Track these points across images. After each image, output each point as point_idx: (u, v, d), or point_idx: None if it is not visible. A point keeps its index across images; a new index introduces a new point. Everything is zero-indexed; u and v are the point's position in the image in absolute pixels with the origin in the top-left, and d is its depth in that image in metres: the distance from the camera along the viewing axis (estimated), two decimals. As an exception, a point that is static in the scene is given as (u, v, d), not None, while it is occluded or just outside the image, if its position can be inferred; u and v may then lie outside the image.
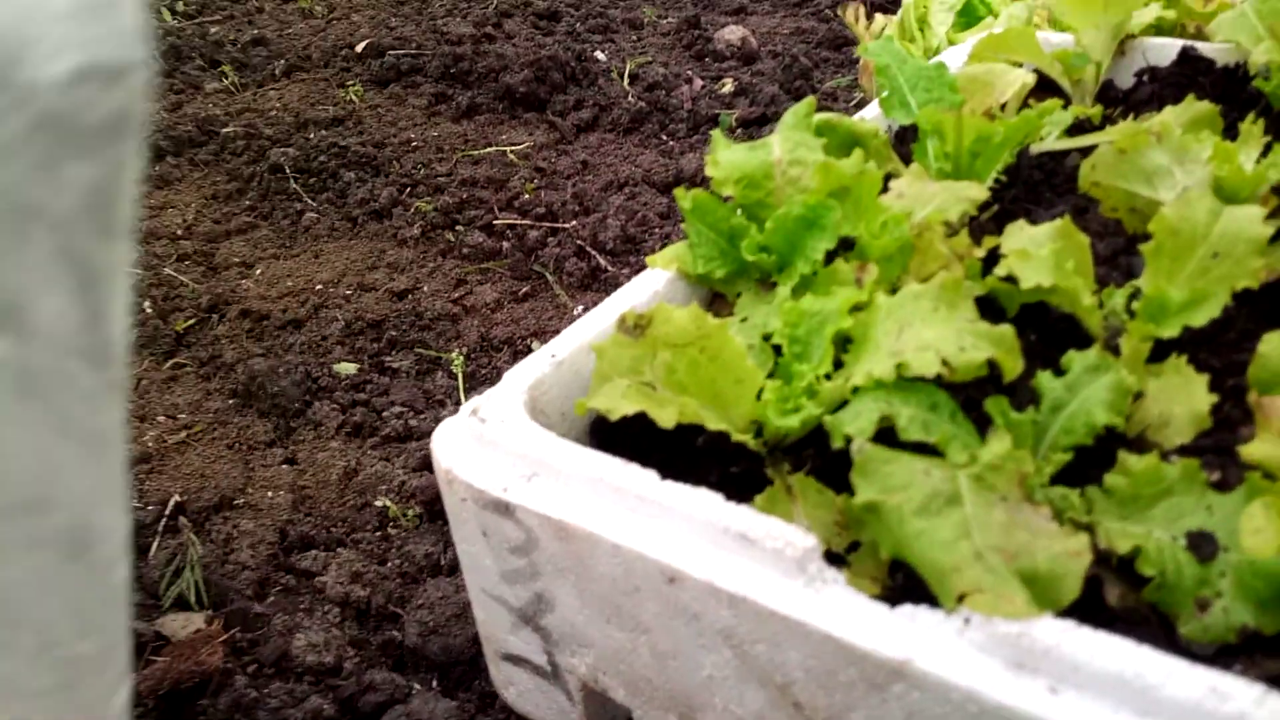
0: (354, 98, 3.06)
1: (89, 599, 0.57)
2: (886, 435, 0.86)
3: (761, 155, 1.16)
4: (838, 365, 1.01)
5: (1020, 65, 1.83)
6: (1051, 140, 1.48)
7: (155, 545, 1.49)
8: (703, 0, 3.88)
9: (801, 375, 0.98)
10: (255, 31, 3.83)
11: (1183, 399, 0.92)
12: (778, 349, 1.04)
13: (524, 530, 0.89)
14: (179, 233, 2.43)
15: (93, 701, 0.59)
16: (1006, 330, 0.91)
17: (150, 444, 1.71)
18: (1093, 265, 1.18)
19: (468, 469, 0.92)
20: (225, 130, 2.85)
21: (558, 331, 1.88)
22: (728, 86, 2.75)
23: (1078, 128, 1.54)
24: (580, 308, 1.93)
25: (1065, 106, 1.61)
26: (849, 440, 0.84)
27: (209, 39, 3.79)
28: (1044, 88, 1.77)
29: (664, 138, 2.59)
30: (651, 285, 1.15)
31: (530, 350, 1.85)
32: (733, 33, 3.16)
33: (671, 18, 3.64)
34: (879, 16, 2.14)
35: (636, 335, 0.97)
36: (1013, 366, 0.90)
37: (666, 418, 0.89)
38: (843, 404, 0.92)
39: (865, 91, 2.49)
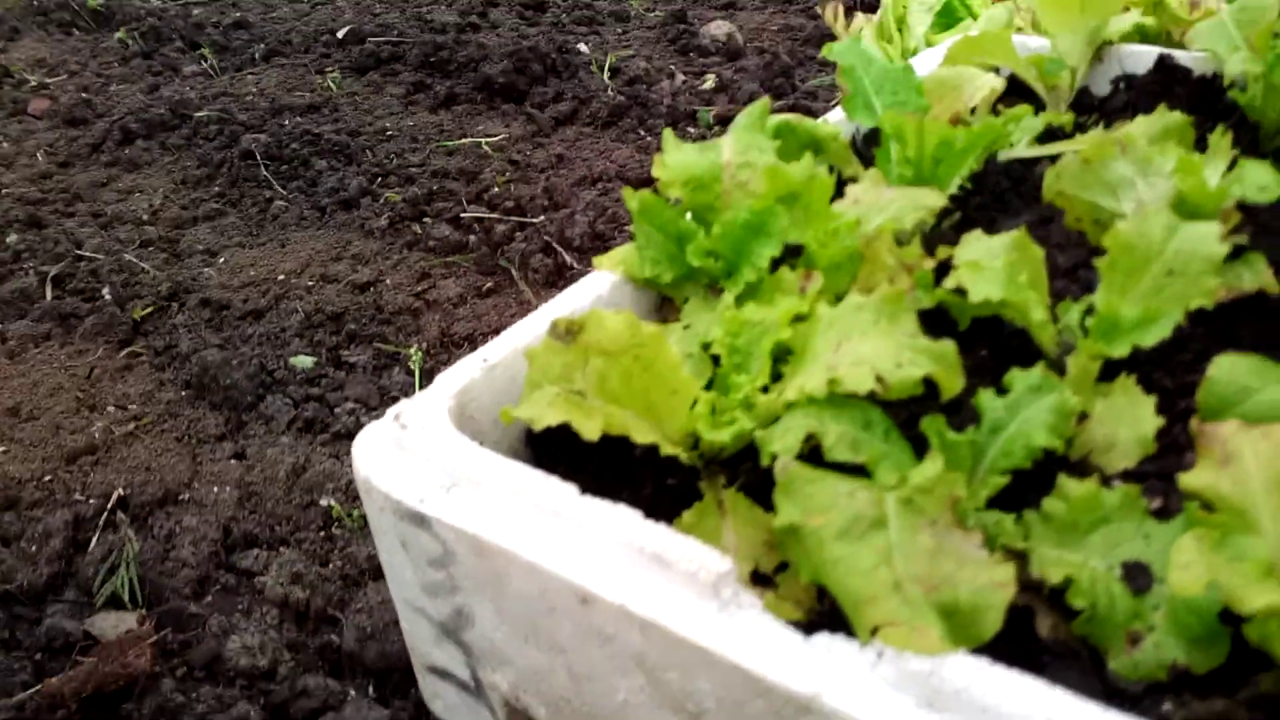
0: (331, 84, 3.01)
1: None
2: (820, 453, 0.82)
3: (711, 157, 1.12)
4: (777, 378, 0.97)
5: (996, 69, 1.79)
6: (1021, 147, 1.45)
7: (94, 541, 1.46)
8: (692, -6, 3.85)
9: (739, 387, 0.94)
10: (238, 14, 3.79)
11: (1129, 421, 0.89)
12: (717, 359, 1.00)
13: (441, 544, 0.86)
14: (144, 218, 2.39)
15: None
16: (947, 346, 0.87)
17: (97, 435, 1.67)
18: (1051, 278, 1.15)
19: (386, 477, 0.89)
20: (199, 115, 2.81)
21: (520, 329, 1.85)
22: (709, 82, 2.71)
23: (1049, 135, 1.51)
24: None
25: (1038, 113, 1.58)
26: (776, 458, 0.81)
27: (191, 21, 3.74)
28: (1020, 93, 1.73)
29: (641, 133, 2.55)
30: (596, 288, 1.12)
31: (491, 347, 1.82)
32: (719, 28, 3.13)
33: (659, 10, 3.60)
34: (859, 16, 2.10)
35: (568, 341, 0.94)
36: (951, 384, 0.86)
37: (591, 429, 0.85)
38: (777, 420, 0.89)
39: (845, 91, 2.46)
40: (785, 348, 0.97)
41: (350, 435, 1.62)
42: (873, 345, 0.88)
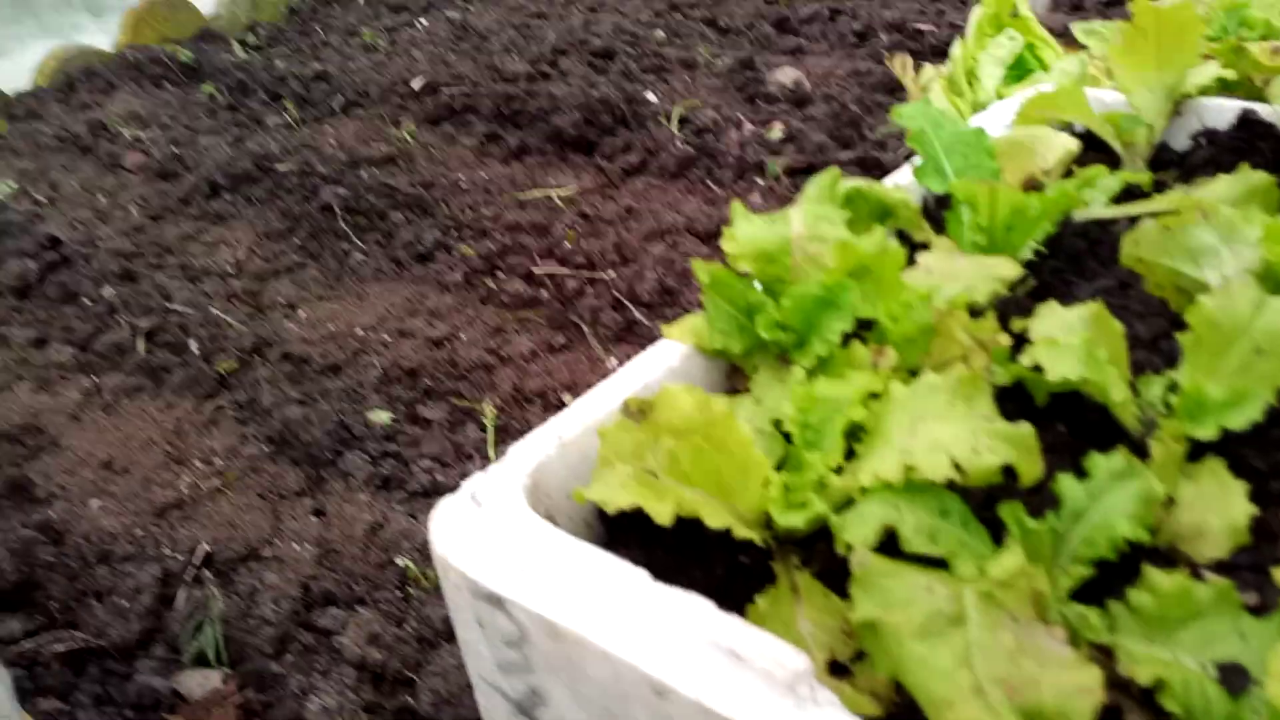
0: (407, 136, 3.09)
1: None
2: (895, 540, 0.82)
3: (780, 230, 1.13)
4: (850, 455, 0.97)
5: (1070, 125, 1.77)
6: (1097, 207, 1.43)
7: (181, 596, 1.50)
8: (760, 38, 3.87)
9: (811, 466, 0.94)
10: (318, 66, 3.91)
11: (1219, 508, 0.87)
12: (788, 436, 1.00)
13: (516, 625, 0.87)
14: (229, 270, 2.47)
15: None
16: (1026, 431, 0.86)
17: (185, 489, 1.73)
18: (1131, 349, 1.13)
19: (461, 556, 0.90)
20: (281, 167, 2.90)
21: (590, 385, 1.86)
22: (776, 132, 2.72)
23: (1127, 194, 1.48)
24: (614, 361, 1.91)
25: (1114, 170, 1.56)
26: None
27: (274, 73, 3.88)
28: (1096, 148, 1.71)
29: (710, 184, 2.57)
30: (666, 360, 1.13)
31: (562, 404, 1.84)
32: (786, 75, 3.14)
33: (727, 57, 3.62)
34: (927, 67, 2.09)
35: (640, 420, 0.95)
36: (1031, 471, 0.85)
37: (663, 513, 0.86)
38: (851, 501, 0.88)
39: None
40: (858, 425, 0.97)
41: (426, 493, 1.64)
42: (949, 429, 0.87)
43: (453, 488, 1.61)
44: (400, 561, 1.51)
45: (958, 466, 0.83)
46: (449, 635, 1.38)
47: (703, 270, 1.14)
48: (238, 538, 1.61)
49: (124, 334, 2.20)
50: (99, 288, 2.40)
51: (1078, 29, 2.48)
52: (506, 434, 1.80)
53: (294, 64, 4.03)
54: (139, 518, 1.67)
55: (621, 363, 1.92)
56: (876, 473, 0.85)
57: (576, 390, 1.86)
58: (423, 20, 4.64)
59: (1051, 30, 3.40)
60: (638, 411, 0.94)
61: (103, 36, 4.72)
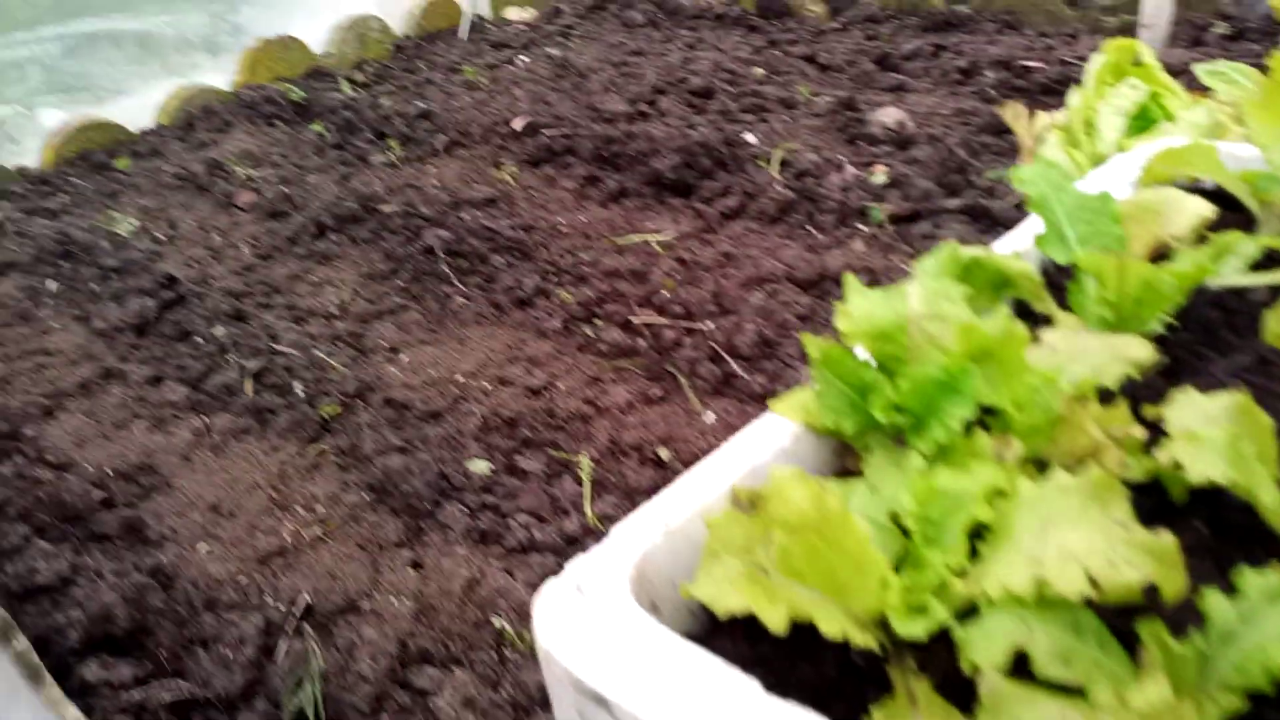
0: (508, 177, 3.13)
1: None
2: (1022, 660, 0.77)
3: (896, 306, 1.09)
4: (973, 553, 0.92)
5: (1199, 181, 1.69)
6: (1233, 274, 1.35)
7: (282, 648, 1.52)
8: (860, 75, 3.81)
9: (931, 566, 0.90)
10: (422, 104, 3.99)
11: (1384, 633, 0.80)
12: (906, 530, 0.96)
13: (621, 725, 0.84)
14: (334, 312, 2.52)
15: None
16: (1168, 543, 0.80)
17: (287, 537, 1.75)
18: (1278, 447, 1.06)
19: (565, 649, 0.88)
20: (385, 208, 2.96)
21: (686, 440, 1.84)
22: (880, 176, 2.66)
23: (1266, 259, 1.40)
24: (711, 416, 1.88)
25: (1251, 231, 1.47)
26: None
27: (380, 112, 3.97)
28: (1228, 206, 1.62)
29: (810, 229, 2.52)
30: (776, 440, 1.09)
31: (658, 458, 1.82)
32: (888, 115, 3.08)
33: (827, 95, 3.58)
34: (1041, 115, 2.01)
35: (750, 513, 0.92)
36: (1174, 588, 0.79)
37: (775, 619, 0.82)
38: (974, 608, 0.84)
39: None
40: (982, 524, 0.92)
41: (523, 549, 1.64)
42: (1082, 538, 0.82)
43: (550, 545, 1.60)
44: (496, 622, 1.50)
45: (1093, 581, 0.78)
46: (544, 703, 1.37)
47: (813, 345, 1.11)
48: (337, 589, 1.62)
49: (233, 374, 2.26)
50: (211, 327, 2.48)
51: (1201, 70, 2.37)
52: (602, 488, 1.79)
53: (399, 102, 4.13)
54: (243, 564, 1.70)
55: (719, 417, 1.89)
56: (1005, 583, 0.80)
57: (672, 444, 1.84)
58: (523, 57, 4.71)
59: (1170, 67, 3.27)
60: (748, 503, 0.92)
61: (221, 75, 4.92)
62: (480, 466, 1.85)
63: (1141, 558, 0.79)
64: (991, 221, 2.31)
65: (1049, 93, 3.38)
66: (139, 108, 4.67)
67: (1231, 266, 1.37)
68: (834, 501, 0.91)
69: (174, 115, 4.56)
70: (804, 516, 0.90)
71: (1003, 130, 2.94)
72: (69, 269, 3.01)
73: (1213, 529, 0.98)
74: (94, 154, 4.19)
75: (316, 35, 5.22)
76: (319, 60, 5.10)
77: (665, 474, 1.77)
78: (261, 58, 4.91)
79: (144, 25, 4.86)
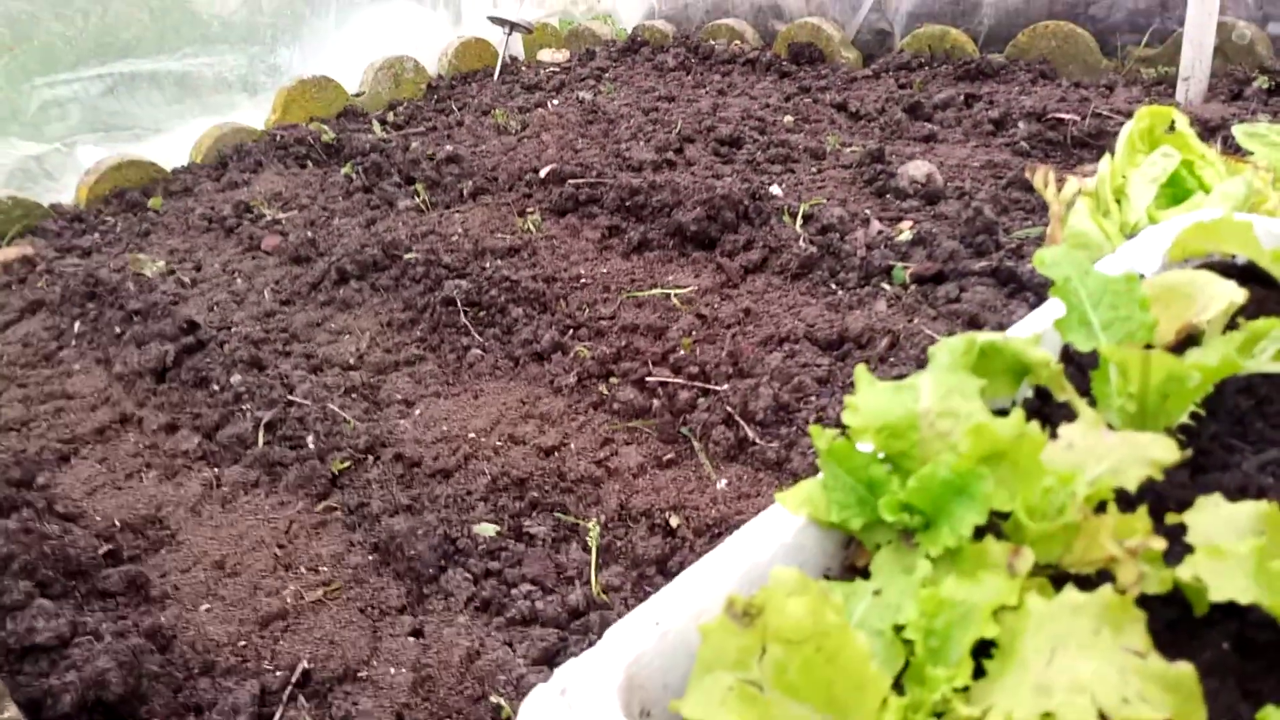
0: (532, 226, 3.12)
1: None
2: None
3: (907, 401, 1.04)
4: (979, 672, 0.87)
5: (1234, 257, 1.63)
6: (1265, 359, 1.29)
7: (277, 717, 1.49)
8: (891, 124, 3.78)
9: (935, 682, 0.85)
10: (451, 148, 4.01)
11: None
12: (910, 641, 0.91)
13: None
14: (351, 362, 2.51)
15: None
16: (1185, 675, 0.75)
17: (289, 599, 1.73)
18: (1308, 552, 1.00)
19: (547, 763, 0.84)
20: (408, 256, 2.95)
21: (697, 508, 1.80)
22: (905, 233, 2.62)
23: (1298, 344, 1.34)
24: (723, 482, 1.84)
25: (1283, 315, 1.42)
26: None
27: (408, 155, 3.99)
28: (1262, 283, 1.57)
29: (833, 286, 2.49)
30: (780, 535, 1.05)
31: (667, 525, 1.78)
32: (918, 169, 3.04)
33: (856, 146, 3.55)
34: (1070, 180, 1.97)
35: (745, 624, 0.87)
36: (1191, 725, 0.74)
37: (766, 742, 0.78)
38: (977, 736, 0.79)
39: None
40: (989, 641, 0.87)
41: (525, 621, 1.60)
42: (1094, 666, 0.77)
43: (552, 618, 1.56)
44: (494, 699, 1.46)
45: (1103, 717, 0.73)
46: (539, 790, 1.32)
47: (822, 438, 1.07)
48: (336, 655, 1.59)
49: (246, 425, 2.25)
50: (229, 374, 2.47)
51: (1240, 132, 2.31)
52: (610, 555, 1.74)
53: (428, 144, 4.15)
54: (243, 626, 1.67)
55: (730, 484, 1.84)
56: (1008, 713, 0.76)
57: (683, 511, 1.80)
58: (554, 100, 4.73)
59: (1208, 122, 3.21)
60: (743, 614, 0.87)
61: (258, 114, 4.98)
62: (487, 530, 1.81)
63: (1156, 692, 0.75)
64: (1018, 285, 2.26)
65: (1082, 146, 3.33)
66: (175, 146, 4.74)
67: (1264, 351, 1.31)
68: (833, 615, 0.87)
69: (207, 154, 4.61)
70: (801, 629, 0.86)
71: (1032, 187, 2.89)
72: (94, 310, 3.03)
73: (1236, 646, 0.93)
74: (128, 192, 4.25)
75: (352, 75, 5.28)
76: (352, 100, 5.16)
77: (674, 542, 1.73)
78: (296, 97, 4.97)
79: (184, 66, 4.93)
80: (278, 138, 4.54)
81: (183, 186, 4.26)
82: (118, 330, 2.86)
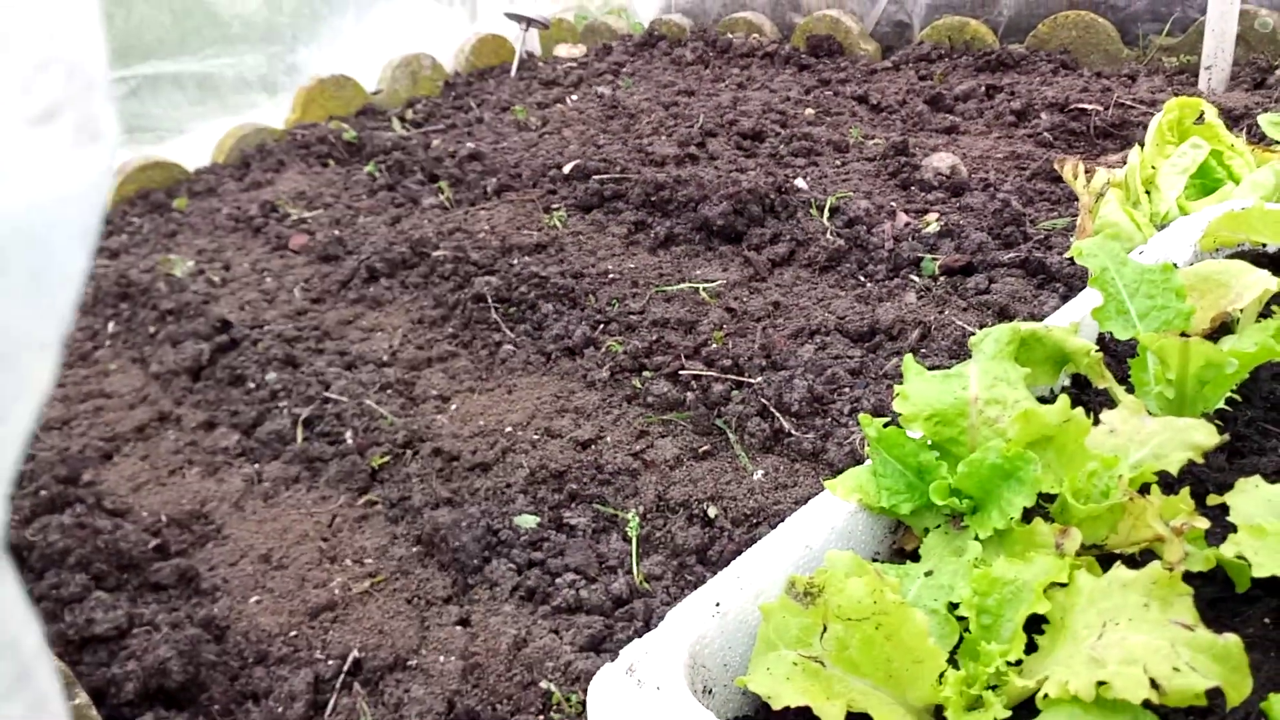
0: (557, 223, 3.15)
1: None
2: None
3: (956, 389, 1.07)
4: (1031, 648, 0.91)
5: (1265, 246, 1.66)
6: (1299, 346, 1.32)
7: (331, 704, 1.53)
8: (912, 116, 3.80)
9: (989, 657, 0.88)
10: (472, 145, 4.04)
11: None
12: (963, 619, 0.94)
13: (672, 821, 0.83)
14: (384, 359, 2.55)
15: None
16: (1232, 645, 0.79)
17: (336, 590, 1.77)
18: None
19: (619, 738, 0.88)
20: (436, 253, 2.99)
21: (734, 498, 1.83)
22: (932, 225, 2.65)
23: (1332, 329, 1.36)
24: (760, 472, 1.87)
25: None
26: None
27: (430, 153, 4.03)
28: (1292, 269, 1.59)
29: (861, 279, 2.51)
30: (830, 520, 1.08)
31: (706, 516, 1.81)
32: (941, 161, 3.06)
33: (879, 138, 3.57)
34: (1099, 172, 1.98)
35: (806, 603, 0.91)
36: (1239, 692, 0.77)
37: (833, 714, 0.82)
38: (1030, 704, 0.82)
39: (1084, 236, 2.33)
40: (1040, 616, 0.91)
41: (570, 609, 1.63)
42: (1144, 639, 0.80)
43: (597, 605, 1.60)
44: (544, 685, 1.50)
45: (1155, 684, 0.76)
46: (591, 771, 1.35)
47: (871, 426, 1.10)
48: (385, 645, 1.63)
49: (284, 422, 2.29)
50: (264, 372, 2.52)
51: (1265, 121, 2.33)
52: (650, 546, 1.78)
53: (449, 142, 4.18)
54: (293, 617, 1.72)
55: (767, 475, 1.88)
56: (1063, 683, 0.79)
57: (720, 501, 1.83)
58: (573, 96, 4.76)
59: (1231, 110, 3.22)
60: (804, 594, 0.91)
61: (278, 114, 5.03)
62: (528, 521, 1.85)
63: (1205, 662, 0.78)
64: (1047, 276, 2.28)
65: (1106, 136, 3.34)
66: (197, 147, 4.79)
67: (1297, 338, 1.34)
68: (891, 594, 0.90)
69: (229, 154, 4.66)
70: (862, 608, 0.89)
71: (1058, 177, 2.91)
72: (127, 310, 3.08)
73: (1276, 621, 0.96)
74: (153, 193, 4.30)
75: (369, 73, 5.32)
76: (371, 98, 5.20)
77: (713, 532, 1.76)
78: (315, 96, 5.01)
79: (205, 67, 4.97)
80: (298, 137, 4.58)
81: (206, 187, 4.30)
82: (151, 330, 2.91)
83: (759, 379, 2.09)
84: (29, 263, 0.30)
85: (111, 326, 3.06)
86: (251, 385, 2.51)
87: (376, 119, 4.90)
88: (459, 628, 1.65)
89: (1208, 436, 1.04)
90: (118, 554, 1.84)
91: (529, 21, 5.54)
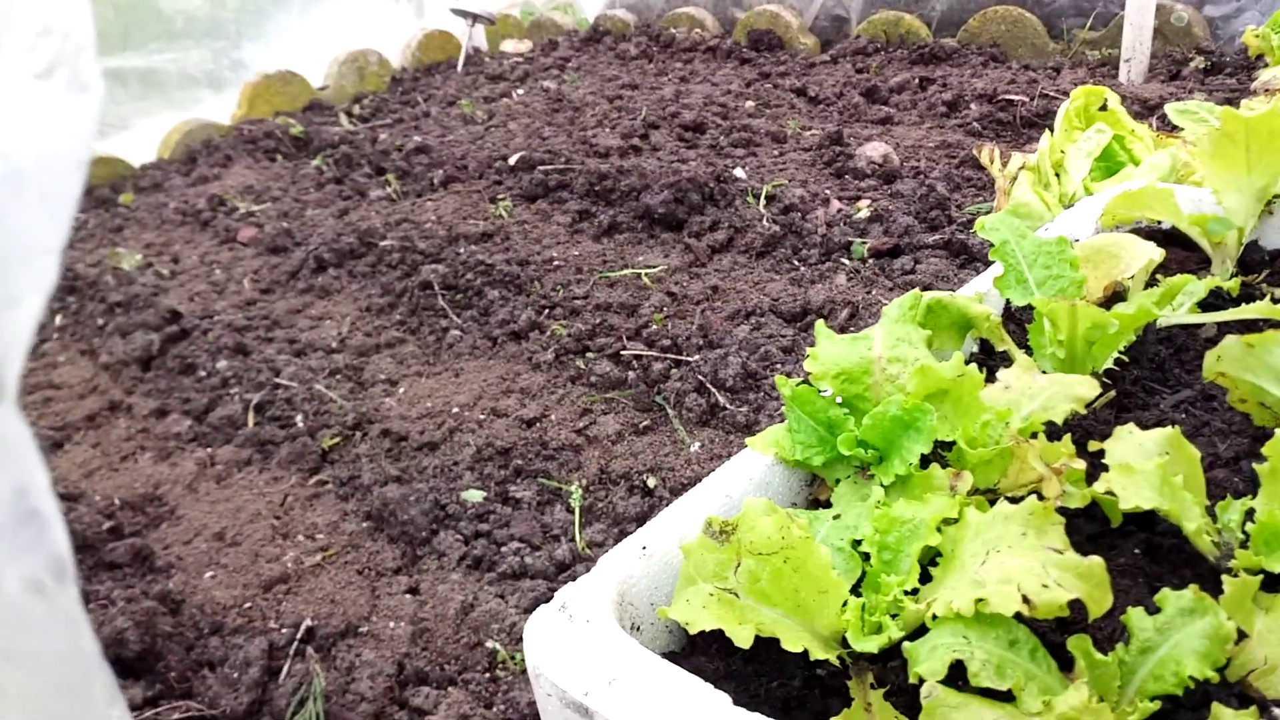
0: (503, 213, 3.22)
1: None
2: (964, 671, 0.85)
3: (862, 350, 1.17)
4: (925, 579, 1.00)
5: (1160, 223, 1.78)
6: (1182, 312, 1.43)
7: (286, 669, 1.59)
8: (849, 107, 3.92)
9: (888, 588, 0.98)
10: (419, 138, 4.09)
11: (1293, 645, 0.88)
12: (866, 555, 1.04)
13: (602, 736, 0.92)
14: (333, 345, 2.60)
15: None
16: (1095, 565, 0.88)
17: (289, 564, 1.83)
18: (1210, 468, 1.14)
19: (553, 666, 0.96)
20: (383, 243, 3.05)
21: (673, 469, 1.92)
22: (863, 211, 2.76)
23: (1213, 297, 1.48)
24: (697, 445, 1.96)
25: (1203, 272, 1.56)
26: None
27: (377, 146, 4.07)
28: (1184, 245, 1.71)
29: (795, 263, 2.62)
30: (749, 470, 1.17)
31: (646, 486, 1.89)
32: (874, 150, 3.18)
33: (816, 129, 3.68)
34: (1015, 157, 2.10)
35: (722, 541, 1.00)
36: (1099, 605, 0.87)
37: (743, 637, 0.90)
38: (924, 627, 0.92)
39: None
40: (934, 550, 1.00)
41: (515, 575, 1.71)
42: (1020, 562, 0.90)
43: (541, 571, 1.68)
44: (490, 644, 1.57)
45: (1027, 600, 0.86)
46: (535, 719, 1.44)
47: (786, 385, 1.19)
48: (338, 614, 1.69)
49: (236, 407, 2.34)
50: (214, 360, 2.56)
51: (1172, 110, 2.47)
52: (592, 515, 1.86)
53: (396, 135, 4.23)
54: (247, 590, 1.77)
55: (704, 447, 1.97)
56: (949, 604, 0.88)
57: (659, 473, 1.92)
58: (519, 90, 4.82)
59: (1147, 101, 3.38)
60: (720, 533, 0.99)
61: (222, 109, 5.03)
62: (474, 495, 1.92)
63: (1071, 578, 0.88)
64: (968, 257, 2.40)
65: (1031, 126, 3.48)
66: (142, 143, 4.77)
67: (1182, 305, 1.46)
68: (798, 530, 0.99)
69: (175, 149, 4.66)
70: (771, 542, 0.98)
71: (982, 164, 3.04)
72: (75, 304, 3.10)
73: (1145, 552, 1.06)
74: (98, 188, 4.29)
75: (316, 69, 5.33)
76: (318, 94, 5.21)
77: (653, 501, 1.85)
78: (262, 92, 5.02)
79: (149, 62, 4.96)
80: (245, 132, 4.60)
81: (153, 182, 4.31)
82: (100, 322, 2.93)
83: (696, 357, 2.18)
84: (39, 184, 0.37)
85: (59, 320, 3.07)
86: (203, 373, 2.54)
87: (324, 114, 4.93)
88: (408, 596, 1.72)
89: (1090, 389, 1.15)
90: (71, 535, 1.87)
91: (475, 17, 5.59)
